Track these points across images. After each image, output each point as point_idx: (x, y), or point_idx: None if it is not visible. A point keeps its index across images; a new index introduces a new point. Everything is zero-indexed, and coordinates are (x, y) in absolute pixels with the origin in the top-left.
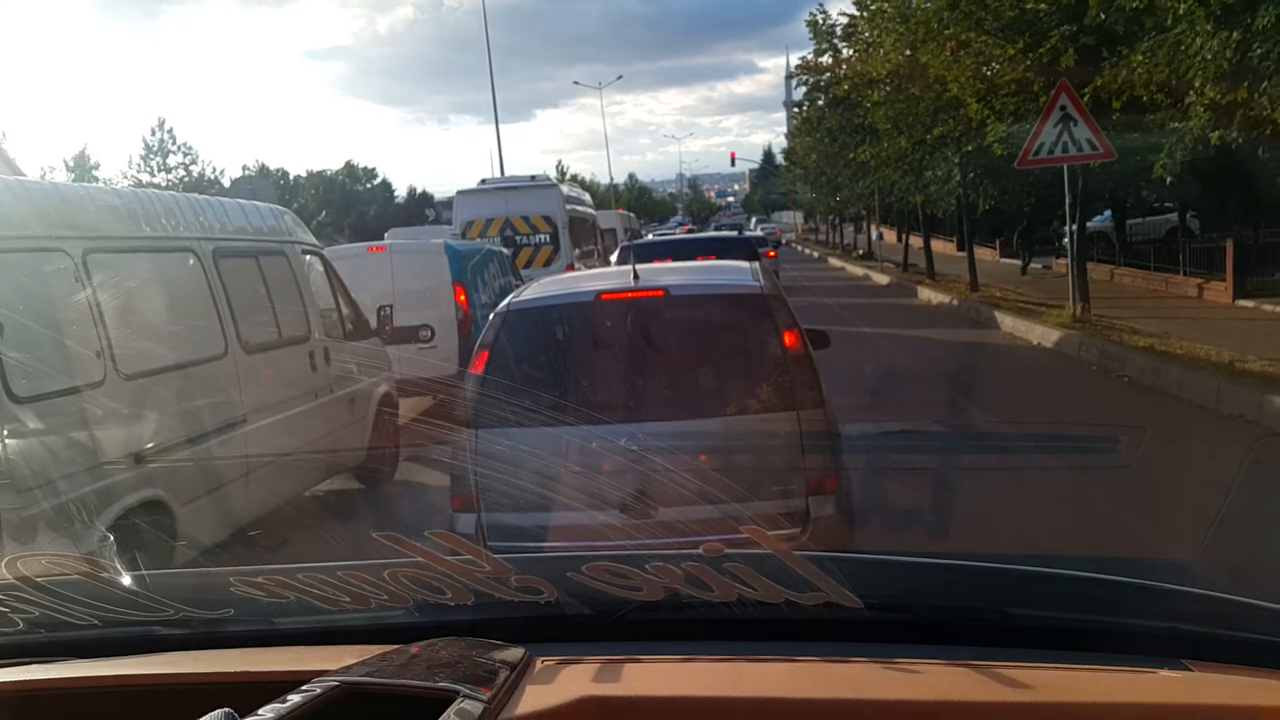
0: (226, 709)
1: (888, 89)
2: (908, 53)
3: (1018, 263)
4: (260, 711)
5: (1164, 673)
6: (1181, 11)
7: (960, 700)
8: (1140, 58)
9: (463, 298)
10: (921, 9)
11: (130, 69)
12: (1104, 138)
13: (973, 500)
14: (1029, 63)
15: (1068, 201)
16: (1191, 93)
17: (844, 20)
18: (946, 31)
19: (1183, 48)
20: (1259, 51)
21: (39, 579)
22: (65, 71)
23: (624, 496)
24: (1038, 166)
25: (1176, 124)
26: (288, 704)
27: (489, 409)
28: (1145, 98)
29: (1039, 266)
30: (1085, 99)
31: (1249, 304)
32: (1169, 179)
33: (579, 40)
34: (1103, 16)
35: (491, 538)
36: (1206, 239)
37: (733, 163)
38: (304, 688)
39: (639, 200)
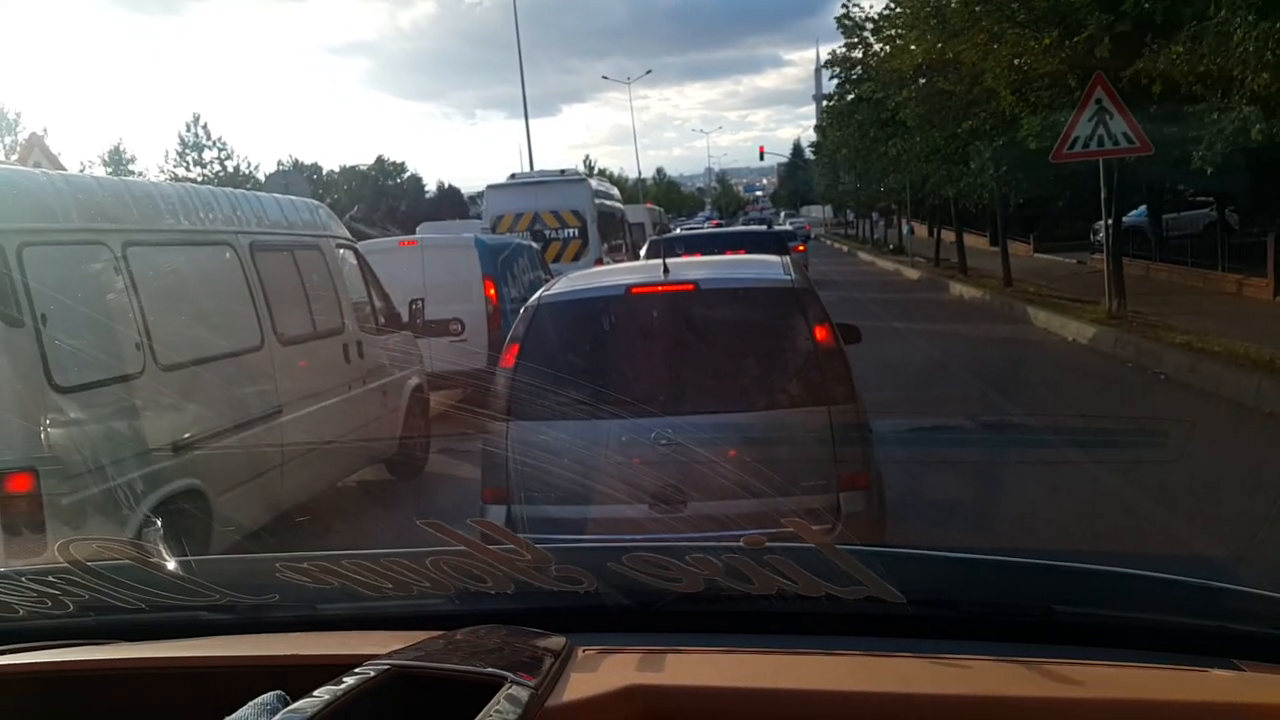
0: (278, 691)
1: (921, 82)
2: (940, 45)
3: (1051, 258)
4: (315, 692)
5: (1215, 671)
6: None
7: (1007, 695)
8: (1180, 47)
9: (492, 291)
10: (951, 2)
11: (158, 66)
12: (1140, 131)
13: (1006, 496)
14: (1064, 54)
15: (1103, 196)
16: (1235, 85)
17: (876, 15)
18: (980, 24)
19: (1224, 33)
20: None
21: (89, 563)
22: (99, 69)
23: (652, 490)
24: (1073, 160)
25: (1216, 116)
26: (342, 686)
27: (519, 402)
28: (1185, 89)
29: (1073, 261)
30: (1123, 83)
31: None
32: (1209, 170)
33: (603, 35)
34: (1146, 4)
35: (521, 530)
36: (1246, 234)
37: (761, 157)
38: (356, 670)
39: (667, 195)
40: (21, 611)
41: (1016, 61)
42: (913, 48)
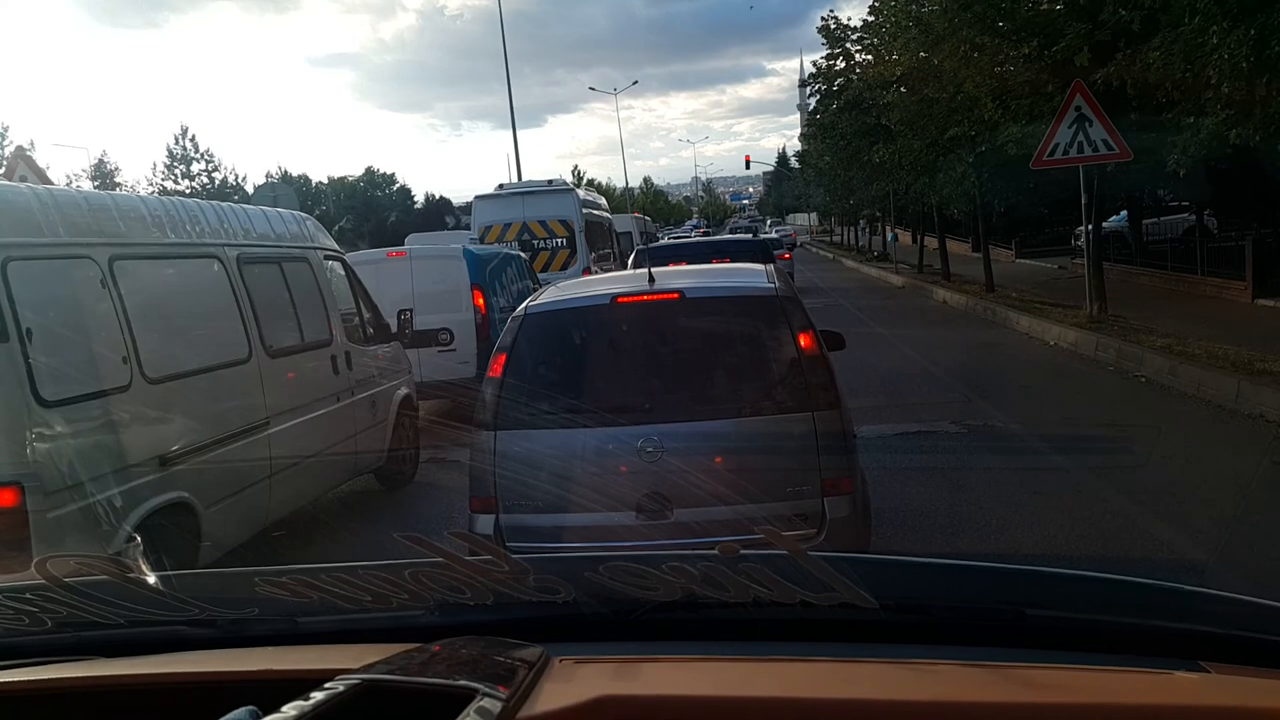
0: (250, 706)
1: (902, 90)
2: (922, 54)
3: (1033, 263)
4: (284, 709)
5: (1180, 674)
6: (1199, 7)
7: (976, 700)
8: (1156, 54)
9: (481, 301)
10: (932, 12)
11: (142, 79)
12: (1120, 138)
13: (989, 501)
14: (1044, 63)
15: (1083, 202)
16: (1209, 90)
17: (857, 24)
18: (961, 33)
19: (1199, 42)
20: (1277, 49)
21: (67, 579)
22: (83, 83)
23: (640, 498)
24: (1053, 167)
25: (1193, 121)
26: (311, 701)
27: (506, 411)
28: (1162, 96)
29: (1054, 267)
30: (1097, 84)
31: (1269, 303)
32: (1182, 172)
33: (586, 46)
34: (1122, 13)
35: (510, 539)
36: (1224, 238)
37: (747, 166)
38: (327, 685)
39: (654, 204)
40: None
41: (997, 70)
42: (895, 56)
